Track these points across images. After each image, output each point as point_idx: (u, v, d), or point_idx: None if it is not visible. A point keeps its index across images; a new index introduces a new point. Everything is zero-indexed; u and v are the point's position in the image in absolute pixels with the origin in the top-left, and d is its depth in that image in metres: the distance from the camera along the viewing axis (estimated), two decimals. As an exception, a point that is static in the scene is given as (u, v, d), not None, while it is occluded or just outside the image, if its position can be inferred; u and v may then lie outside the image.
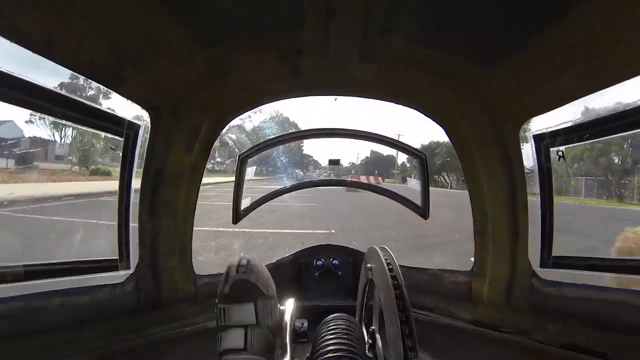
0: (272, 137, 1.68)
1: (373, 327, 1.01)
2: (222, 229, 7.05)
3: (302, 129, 1.72)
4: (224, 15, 0.89)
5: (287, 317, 0.97)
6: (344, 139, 1.77)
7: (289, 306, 1.02)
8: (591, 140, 1.12)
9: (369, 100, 1.47)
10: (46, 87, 0.94)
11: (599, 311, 1.09)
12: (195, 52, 1.05)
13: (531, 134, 1.25)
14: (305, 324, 1.47)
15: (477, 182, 1.38)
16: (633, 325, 1.00)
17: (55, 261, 1.20)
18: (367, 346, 1.02)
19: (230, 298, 0.88)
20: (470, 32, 0.93)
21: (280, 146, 1.76)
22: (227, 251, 5.80)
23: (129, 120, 1.19)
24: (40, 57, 0.82)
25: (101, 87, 1.13)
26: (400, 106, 1.43)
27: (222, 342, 0.85)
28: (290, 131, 1.77)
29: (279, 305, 0.99)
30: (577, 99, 0.99)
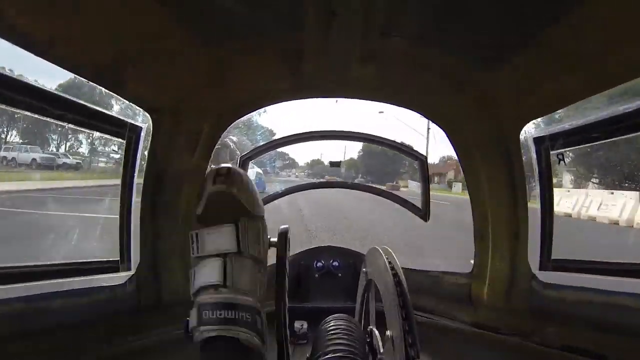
0: (274, 139, 1.69)
1: (373, 328, 1.01)
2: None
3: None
4: (224, 17, 0.89)
5: (280, 249, 0.78)
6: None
7: (281, 237, 0.79)
8: (592, 144, 1.12)
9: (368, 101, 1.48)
10: (48, 89, 0.94)
11: (598, 314, 1.09)
12: (196, 54, 1.05)
13: (531, 137, 1.25)
14: (305, 326, 1.47)
15: (478, 185, 1.38)
16: (632, 328, 1.00)
17: (56, 262, 1.21)
18: (367, 347, 1.02)
19: (205, 219, 0.68)
20: (471, 34, 0.93)
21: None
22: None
23: (130, 123, 1.20)
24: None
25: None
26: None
27: (196, 278, 0.67)
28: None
29: (268, 237, 0.76)
30: (578, 100, 0.99)
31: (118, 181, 1.25)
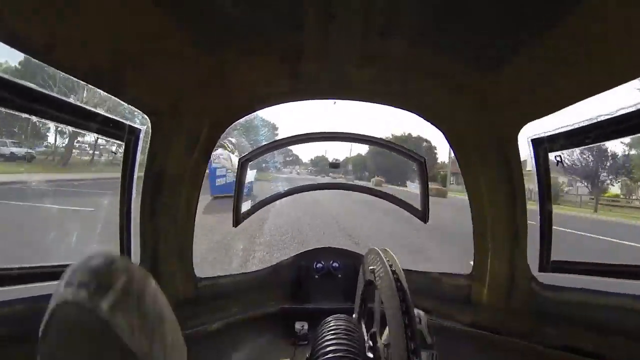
0: (272, 140, 1.69)
1: (374, 329, 1.01)
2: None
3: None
4: (223, 18, 0.89)
5: None
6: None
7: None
8: (590, 145, 1.12)
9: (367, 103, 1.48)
10: (47, 92, 0.94)
11: (597, 315, 1.09)
12: (195, 56, 1.05)
13: (529, 139, 1.25)
14: (306, 327, 1.47)
15: (477, 186, 1.38)
16: (631, 329, 1.00)
17: (55, 264, 1.20)
18: (367, 347, 1.01)
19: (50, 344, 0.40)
20: (470, 36, 0.94)
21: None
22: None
23: (129, 125, 1.20)
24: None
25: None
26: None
27: None
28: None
29: None
30: (576, 102, 0.99)
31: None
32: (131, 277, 0.40)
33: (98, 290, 0.36)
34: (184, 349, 0.45)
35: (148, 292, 0.41)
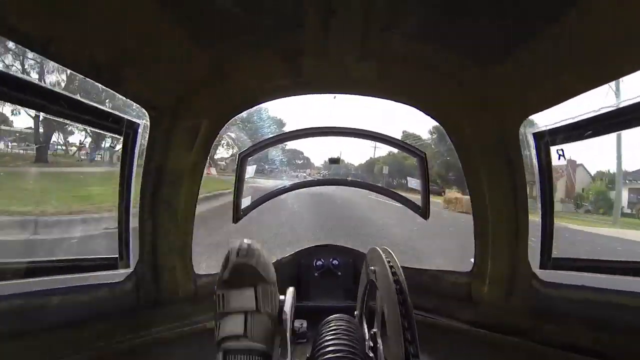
0: (272, 135, 1.68)
1: (374, 330, 1.01)
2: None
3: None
4: (223, 14, 0.89)
5: (287, 307, 0.92)
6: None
7: (289, 296, 0.96)
8: (592, 138, 1.11)
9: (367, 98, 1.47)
10: (46, 86, 0.95)
11: (598, 312, 1.08)
12: (195, 52, 1.04)
13: (531, 132, 1.24)
14: (305, 325, 1.47)
15: (478, 182, 1.37)
16: (633, 327, 1.00)
17: (54, 259, 1.20)
18: (367, 347, 1.01)
19: (230, 283, 0.84)
20: (470, 31, 0.93)
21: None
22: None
23: (128, 119, 1.19)
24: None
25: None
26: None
27: (221, 328, 0.82)
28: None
29: (280, 296, 0.94)
30: (577, 95, 0.99)
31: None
32: (260, 248, 0.87)
33: (248, 256, 0.84)
34: (273, 272, 0.91)
35: (264, 255, 0.88)
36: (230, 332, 0.80)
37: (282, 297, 0.95)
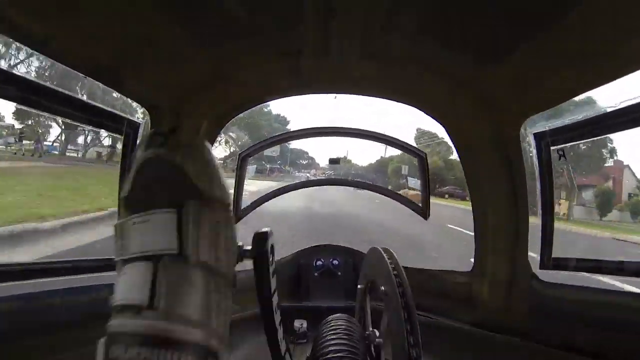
0: (273, 135, 1.68)
1: (375, 330, 1.01)
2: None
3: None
4: (224, 14, 0.88)
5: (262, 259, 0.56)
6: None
7: (259, 244, 0.56)
8: (594, 138, 1.11)
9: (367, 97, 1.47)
10: (46, 85, 0.94)
11: (599, 313, 1.08)
12: (195, 52, 1.04)
13: (531, 132, 1.24)
14: (305, 325, 1.47)
15: (478, 182, 1.37)
16: (633, 327, 1.00)
17: (55, 260, 1.20)
18: (368, 347, 1.01)
19: (134, 202, 0.44)
20: (471, 30, 0.92)
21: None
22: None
23: (128, 119, 1.19)
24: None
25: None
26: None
27: (115, 293, 0.44)
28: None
29: (239, 243, 0.52)
30: (578, 94, 0.98)
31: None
32: (194, 137, 0.49)
33: (173, 146, 0.43)
34: (230, 191, 0.50)
35: (207, 149, 0.47)
36: (123, 298, 0.41)
37: (247, 247, 0.55)
